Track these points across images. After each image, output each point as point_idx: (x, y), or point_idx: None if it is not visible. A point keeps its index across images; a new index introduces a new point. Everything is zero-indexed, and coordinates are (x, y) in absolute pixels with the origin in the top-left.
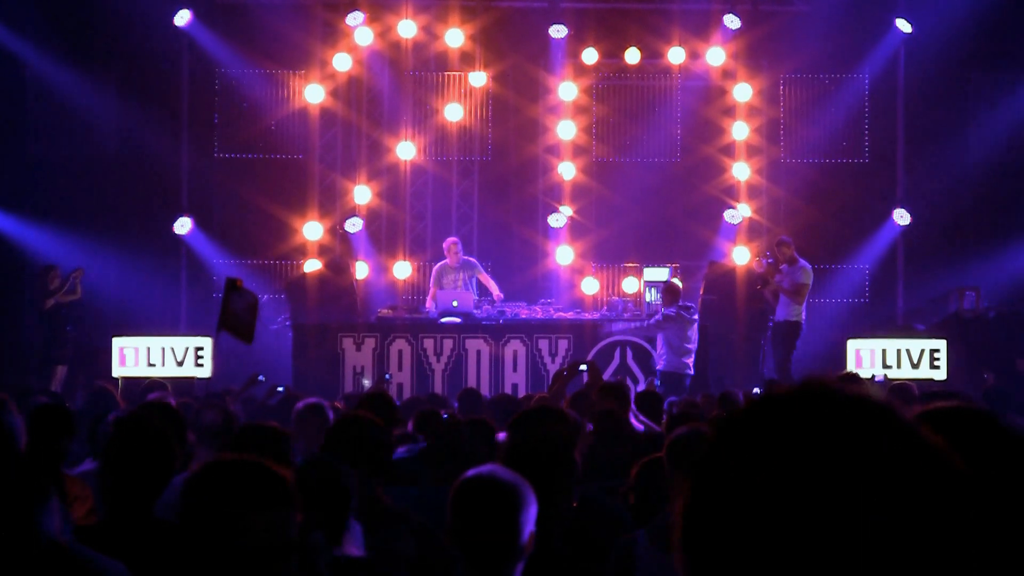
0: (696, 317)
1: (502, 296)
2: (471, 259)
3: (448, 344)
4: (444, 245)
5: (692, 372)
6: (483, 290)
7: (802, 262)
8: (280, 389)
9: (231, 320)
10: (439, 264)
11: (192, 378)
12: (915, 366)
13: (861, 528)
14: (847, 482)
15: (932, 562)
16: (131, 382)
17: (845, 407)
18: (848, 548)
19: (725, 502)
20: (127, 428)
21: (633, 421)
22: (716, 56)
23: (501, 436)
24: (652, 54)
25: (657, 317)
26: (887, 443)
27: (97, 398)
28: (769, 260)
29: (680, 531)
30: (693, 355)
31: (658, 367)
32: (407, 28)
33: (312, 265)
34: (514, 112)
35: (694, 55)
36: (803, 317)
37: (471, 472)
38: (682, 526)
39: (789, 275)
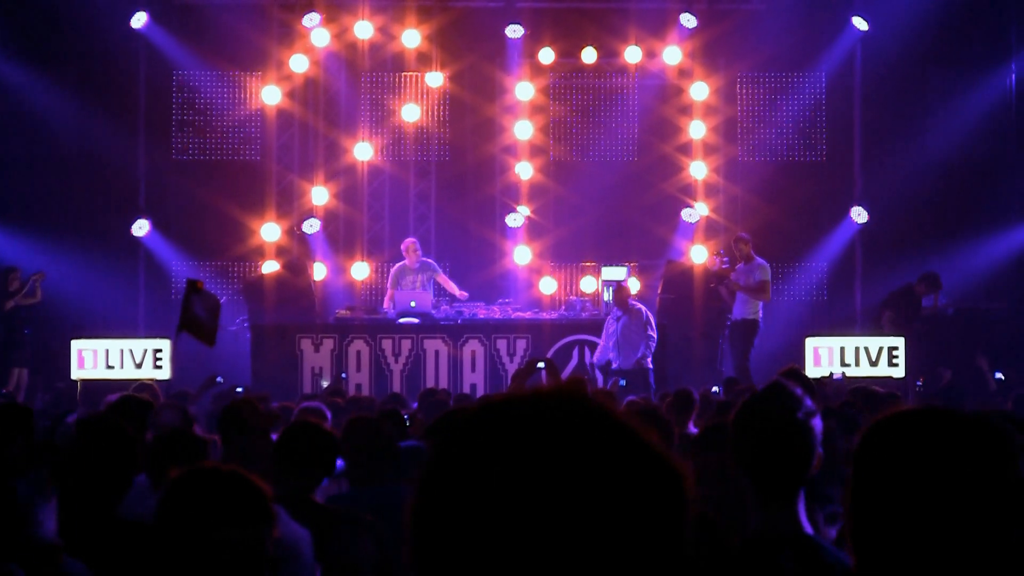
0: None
1: (466, 295)
2: (429, 260)
3: (406, 344)
4: (402, 246)
5: (652, 365)
6: (440, 291)
7: (759, 260)
8: (239, 390)
9: (192, 322)
10: (397, 265)
11: (151, 380)
12: (873, 364)
13: (560, 522)
14: (553, 481)
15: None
16: (91, 384)
17: (559, 409)
18: (549, 544)
19: (443, 508)
20: (90, 428)
21: None
22: (673, 55)
23: None
24: (609, 53)
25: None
26: (601, 443)
27: (59, 398)
28: (725, 258)
29: (410, 537)
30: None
31: (616, 365)
32: (363, 29)
33: (270, 266)
34: (471, 112)
35: (651, 54)
36: (761, 315)
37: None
38: (410, 532)
39: (746, 273)
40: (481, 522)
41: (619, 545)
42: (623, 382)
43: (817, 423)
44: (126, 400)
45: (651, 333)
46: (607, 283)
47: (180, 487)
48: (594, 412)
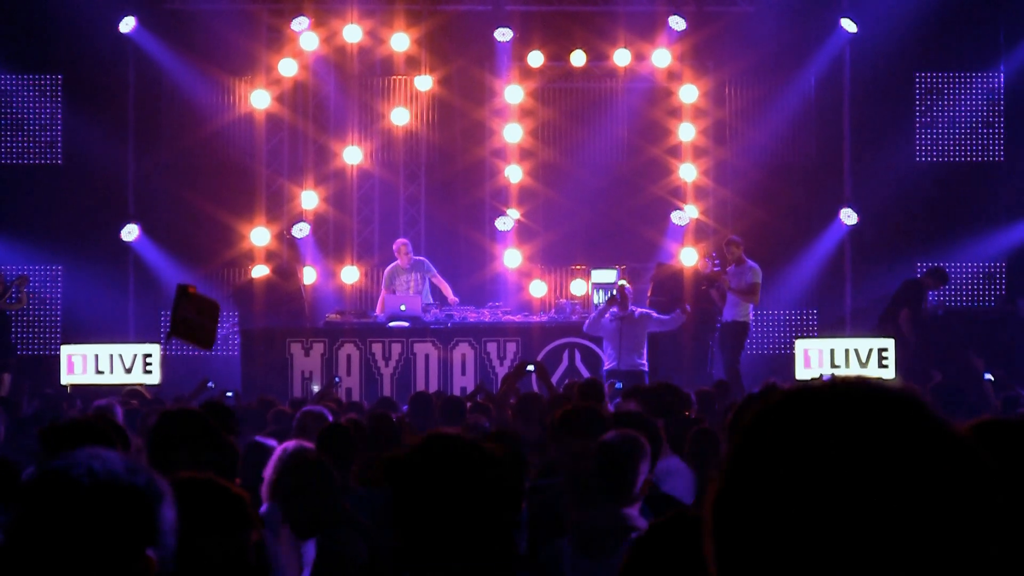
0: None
1: (457, 300)
2: (422, 259)
3: (396, 348)
4: (394, 247)
5: (647, 368)
6: (436, 292)
7: (750, 262)
8: (229, 394)
9: (183, 327)
10: (390, 266)
11: (141, 385)
12: (863, 365)
13: (891, 519)
14: (876, 475)
15: (963, 556)
16: (81, 390)
17: (877, 401)
18: (877, 539)
19: (760, 492)
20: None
21: None
22: (662, 58)
23: None
24: (598, 56)
25: (665, 317)
26: (917, 438)
27: (48, 404)
28: (716, 261)
29: (713, 519)
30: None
31: (611, 366)
32: (352, 33)
33: (260, 271)
34: (460, 116)
35: (640, 57)
36: (751, 317)
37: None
38: (716, 514)
39: (737, 275)
40: (802, 510)
41: (947, 541)
42: (619, 384)
43: None
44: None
45: (665, 316)
46: (597, 286)
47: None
48: (915, 406)
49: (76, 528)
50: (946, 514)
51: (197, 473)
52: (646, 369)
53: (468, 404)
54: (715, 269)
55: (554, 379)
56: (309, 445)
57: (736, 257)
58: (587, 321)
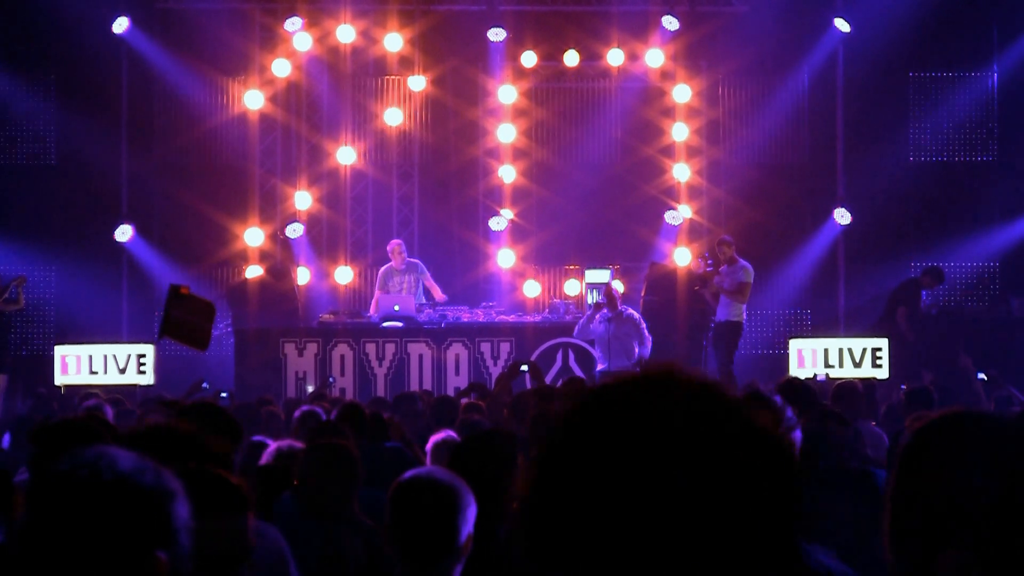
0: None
1: (445, 297)
2: (416, 261)
3: (390, 348)
4: (388, 248)
5: (638, 369)
6: (429, 293)
7: (742, 262)
8: (224, 395)
9: (175, 327)
10: (384, 267)
11: (134, 385)
12: (857, 365)
13: (692, 501)
14: (682, 458)
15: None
16: (75, 390)
17: (675, 390)
18: (679, 522)
19: (570, 483)
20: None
21: None
22: (655, 57)
23: (437, 437)
24: (591, 56)
25: (647, 336)
26: (714, 423)
27: (40, 404)
28: (709, 261)
29: (524, 511)
30: (637, 355)
31: (602, 367)
32: (345, 33)
33: (253, 271)
34: (453, 116)
35: (633, 57)
36: (744, 317)
37: (409, 473)
38: (528, 506)
39: (729, 275)
40: (607, 503)
41: (747, 520)
42: None
43: (796, 436)
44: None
45: (647, 336)
46: (591, 286)
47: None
48: (712, 393)
49: (84, 529)
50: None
51: (197, 466)
52: (637, 370)
53: (463, 401)
54: (708, 269)
55: (548, 379)
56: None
57: (728, 257)
58: (577, 326)
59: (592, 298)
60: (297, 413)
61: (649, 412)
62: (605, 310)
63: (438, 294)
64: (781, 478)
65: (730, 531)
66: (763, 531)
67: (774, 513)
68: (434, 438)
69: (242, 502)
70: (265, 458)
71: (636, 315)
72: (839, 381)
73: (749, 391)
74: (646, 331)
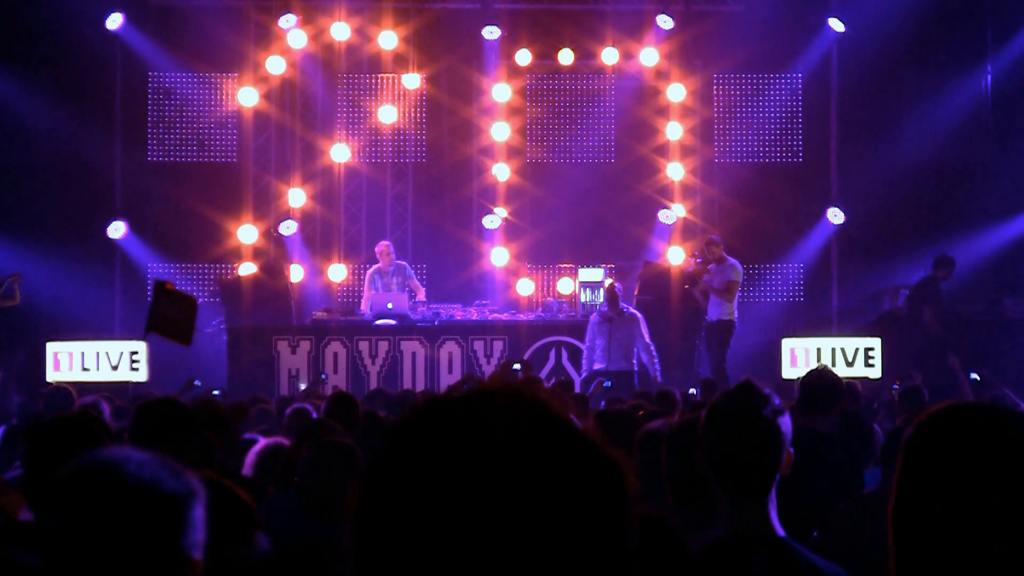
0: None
1: (424, 300)
2: (403, 263)
3: (383, 346)
4: (376, 249)
5: (637, 368)
6: (413, 295)
7: (731, 260)
8: (216, 392)
9: (161, 323)
10: (372, 268)
11: (127, 382)
12: (850, 364)
13: (508, 518)
14: (502, 479)
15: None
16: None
17: (500, 406)
18: (493, 542)
19: (390, 505)
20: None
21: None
22: (649, 56)
23: None
24: (585, 55)
25: (647, 338)
26: (539, 437)
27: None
28: (698, 260)
29: (352, 534)
30: (635, 354)
31: (600, 366)
32: (340, 30)
33: (247, 268)
34: (448, 114)
35: (628, 55)
36: (736, 315)
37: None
38: (353, 528)
39: (719, 274)
40: (421, 521)
41: (562, 540)
42: (608, 383)
43: (784, 421)
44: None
45: (649, 340)
46: (584, 284)
47: None
48: (530, 407)
49: (114, 533)
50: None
51: (207, 475)
52: (636, 369)
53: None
54: (697, 268)
55: (541, 377)
56: (285, 441)
57: (716, 256)
58: (584, 351)
59: (586, 296)
60: (288, 411)
61: (469, 426)
62: (605, 308)
63: (420, 296)
64: (609, 496)
65: (551, 549)
66: (588, 549)
67: (598, 532)
68: None
69: (250, 525)
70: (251, 457)
71: (638, 314)
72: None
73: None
74: (647, 333)
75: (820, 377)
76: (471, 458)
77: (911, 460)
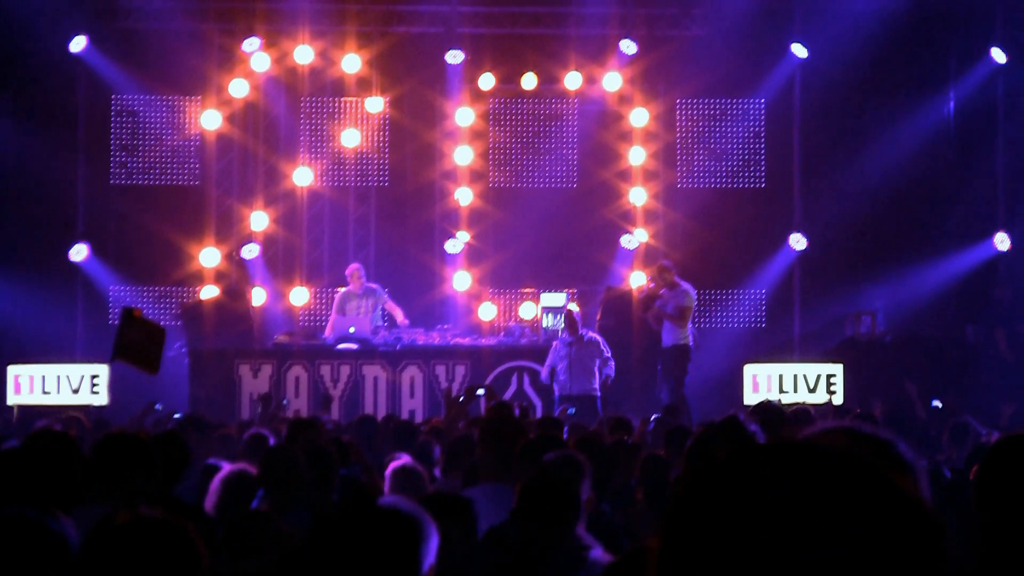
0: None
1: (407, 322)
2: (374, 286)
3: (345, 370)
4: (347, 272)
5: (599, 393)
6: (387, 317)
7: (684, 285)
8: (177, 416)
9: (127, 350)
10: (342, 291)
11: (88, 406)
12: (812, 391)
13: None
14: (823, 536)
15: None
16: (28, 410)
17: (823, 462)
18: None
19: (703, 549)
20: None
21: None
22: (613, 81)
23: (395, 464)
24: (549, 79)
25: (608, 357)
26: (866, 499)
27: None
28: (651, 284)
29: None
30: (597, 378)
31: (564, 391)
32: (304, 54)
33: (209, 291)
34: (411, 137)
35: (591, 80)
36: (691, 341)
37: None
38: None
39: (671, 299)
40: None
41: None
42: (572, 410)
43: None
44: (43, 433)
45: (610, 357)
46: (547, 309)
47: (103, 537)
48: (863, 466)
49: None
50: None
51: (146, 513)
52: (598, 394)
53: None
54: (650, 291)
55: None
56: (252, 469)
57: (669, 281)
58: (543, 372)
59: (548, 321)
60: (246, 436)
61: (779, 488)
62: (566, 334)
63: (400, 317)
64: (926, 549)
65: None
66: None
67: None
68: (393, 464)
69: (195, 557)
70: (215, 484)
71: (598, 337)
72: (793, 407)
73: (728, 421)
74: (608, 352)
75: (766, 410)
76: (806, 516)
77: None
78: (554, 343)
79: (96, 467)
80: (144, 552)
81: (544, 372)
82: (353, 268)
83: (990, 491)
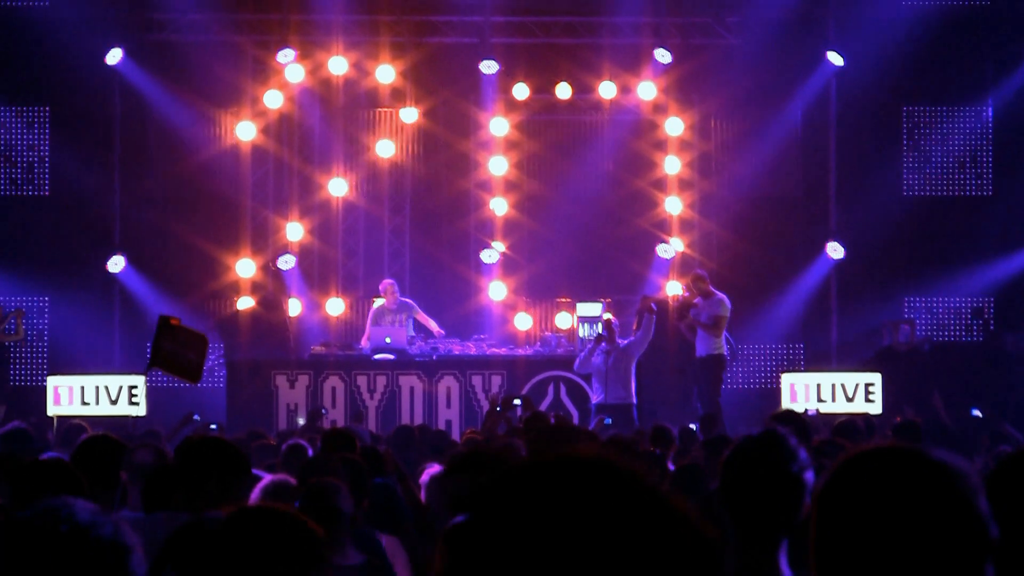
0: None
1: (443, 332)
2: (408, 300)
3: (381, 381)
4: (380, 287)
5: (636, 401)
6: (421, 329)
7: (719, 295)
8: (213, 427)
9: (165, 359)
10: (376, 305)
11: (126, 416)
12: (850, 400)
13: None
14: (594, 548)
15: None
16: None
17: (593, 475)
18: None
19: (484, 569)
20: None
21: None
22: (647, 90)
23: (432, 470)
24: (583, 89)
25: (635, 336)
26: (632, 512)
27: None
28: (686, 295)
29: None
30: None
31: (598, 400)
32: (338, 65)
33: (245, 302)
34: (445, 148)
35: (625, 89)
36: (725, 350)
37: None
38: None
39: (706, 308)
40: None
41: None
42: (608, 420)
43: (810, 476)
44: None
45: (635, 337)
46: (582, 319)
47: (235, 526)
48: (630, 481)
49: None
50: None
51: (273, 504)
52: (635, 402)
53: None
54: (684, 301)
55: (543, 412)
56: (292, 479)
57: (704, 291)
58: (577, 359)
59: (584, 331)
60: (284, 447)
61: (562, 499)
62: (604, 343)
63: (435, 328)
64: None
65: None
66: None
67: None
68: (429, 471)
69: (318, 554)
70: (256, 493)
71: (629, 340)
72: (841, 417)
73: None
74: (632, 335)
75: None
76: (565, 533)
77: (826, 502)
78: (596, 348)
79: (181, 472)
80: (281, 542)
81: (577, 361)
82: (387, 284)
83: (997, 504)
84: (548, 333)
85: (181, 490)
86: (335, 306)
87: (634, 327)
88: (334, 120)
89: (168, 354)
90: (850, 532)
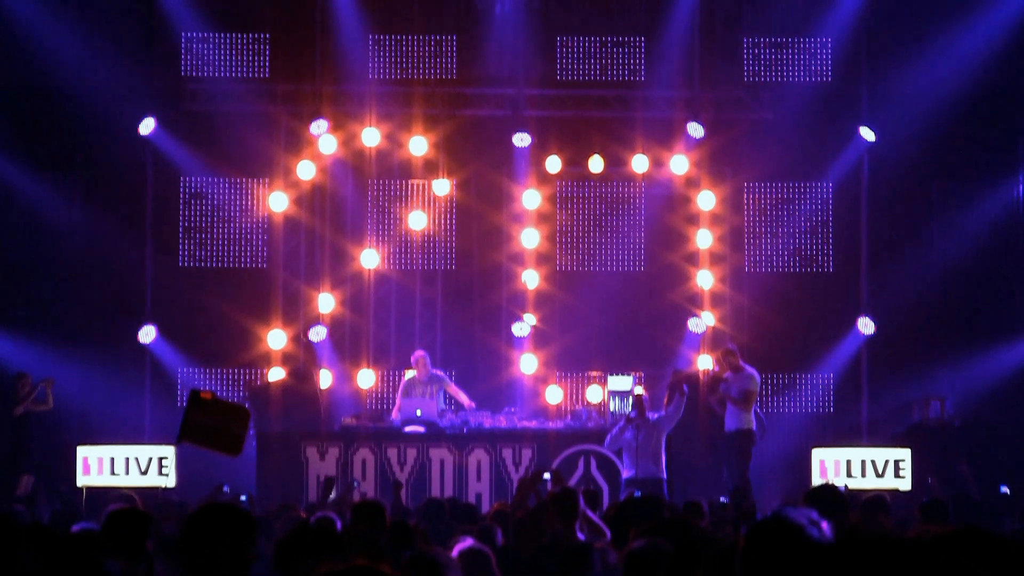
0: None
1: (474, 404)
2: (438, 372)
3: (412, 453)
4: (412, 359)
5: (666, 476)
6: (452, 401)
7: (749, 369)
8: (243, 498)
9: (194, 433)
10: (408, 377)
11: (156, 487)
12: (880, 475)
13: None
14: None
15: None
16: (96, 492)
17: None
18: None
19: None
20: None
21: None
22: (679, 164)
23: (461, 546)
24: (615, 162)
25: (667, 409)
26: None
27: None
28: (715, 369)
29: None
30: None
31: (629, 475)
32: (371, 136)
33: (276, 373)
34: (477, 220)
35: (657, 163)
36: (754, 425)
37: None
38: None
39: (736, 383)
40: None
41: None
42: (638, 493)
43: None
44: (123, 512)
45: (666, 411)
46: (613, 392)
47: None
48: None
49: None
50: None
51: (371, 563)
52: (664, 477)
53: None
54: (714, 376)
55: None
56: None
57: (733, 365)
58: (608, 437)
59: (615, 405)
60: (312, 520)
61: None
62: (633, 414)
63: (465, 400)
64: None
65: None
66: None
67: None
68: (459, 547)
69: None
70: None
71: (659, 414)
72: (869, 493)
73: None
74: (664, 409)
75: (825, 494)
76: None
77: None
78: (628, 427)
79: (190, 538)
80: None
81: (608, 438)
82: (418, 355)
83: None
84: (579, 407)
85: (189, 557)
86: (366, 378)
87: (665, 401)
88: (366, 191)
89: (199, 428)
90: None
